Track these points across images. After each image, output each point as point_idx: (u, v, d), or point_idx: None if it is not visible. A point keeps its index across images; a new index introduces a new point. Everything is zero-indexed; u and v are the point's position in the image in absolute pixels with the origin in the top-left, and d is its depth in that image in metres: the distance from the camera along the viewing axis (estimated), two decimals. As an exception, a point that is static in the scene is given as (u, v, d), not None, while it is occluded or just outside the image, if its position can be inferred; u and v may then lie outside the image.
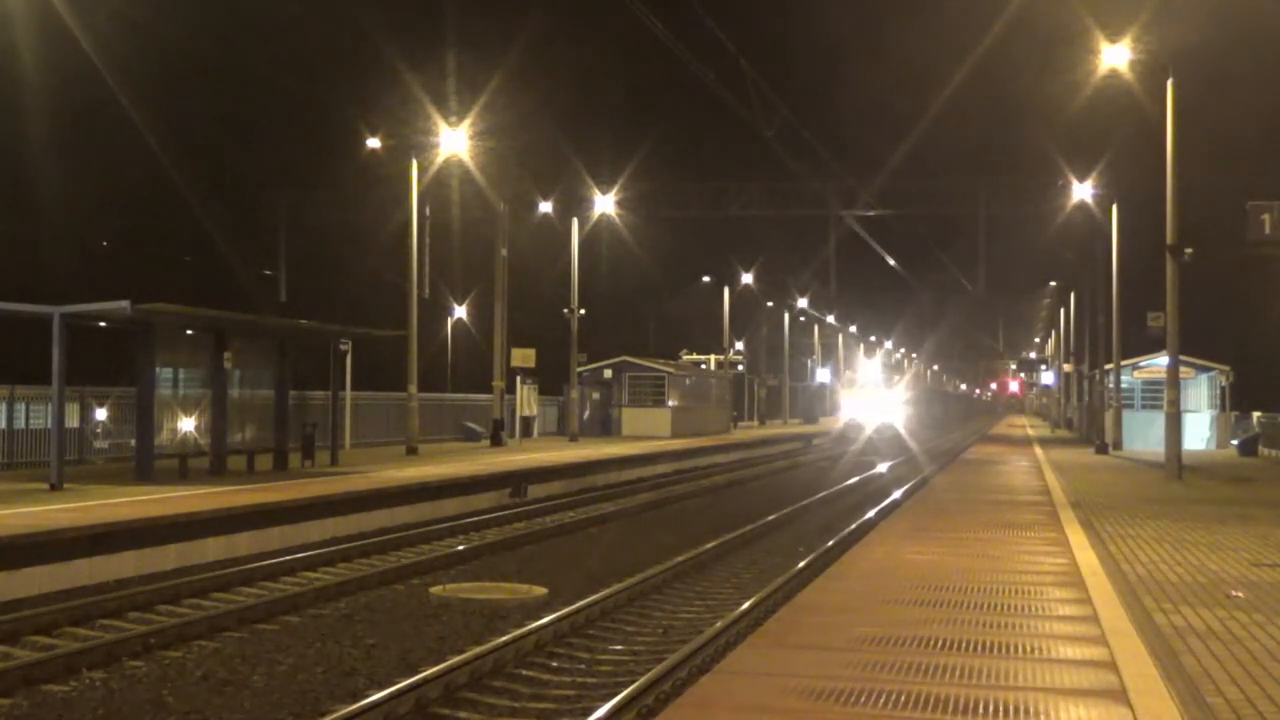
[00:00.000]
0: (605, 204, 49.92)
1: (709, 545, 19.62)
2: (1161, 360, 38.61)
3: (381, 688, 10.36)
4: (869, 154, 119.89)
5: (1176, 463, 29.07)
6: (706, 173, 74.69)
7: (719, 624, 13.26)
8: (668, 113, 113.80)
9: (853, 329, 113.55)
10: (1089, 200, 49.15)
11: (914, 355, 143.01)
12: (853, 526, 22.32)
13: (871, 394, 65.08)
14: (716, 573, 17.88)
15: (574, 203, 49.68)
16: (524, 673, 11.52)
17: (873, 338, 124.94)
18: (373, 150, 41.90)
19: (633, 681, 10.72)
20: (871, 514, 24.71)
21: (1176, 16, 29.66)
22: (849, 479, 35.51)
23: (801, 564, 17.70)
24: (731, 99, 35.14)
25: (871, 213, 53.23)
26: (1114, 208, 46.21)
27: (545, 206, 49.28)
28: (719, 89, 33.65)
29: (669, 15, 29.90)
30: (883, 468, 40.43)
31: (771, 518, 23.91)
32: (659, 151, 73.12)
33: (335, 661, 11.78)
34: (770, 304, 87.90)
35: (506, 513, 24.53)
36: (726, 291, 72.02)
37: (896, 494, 28.71)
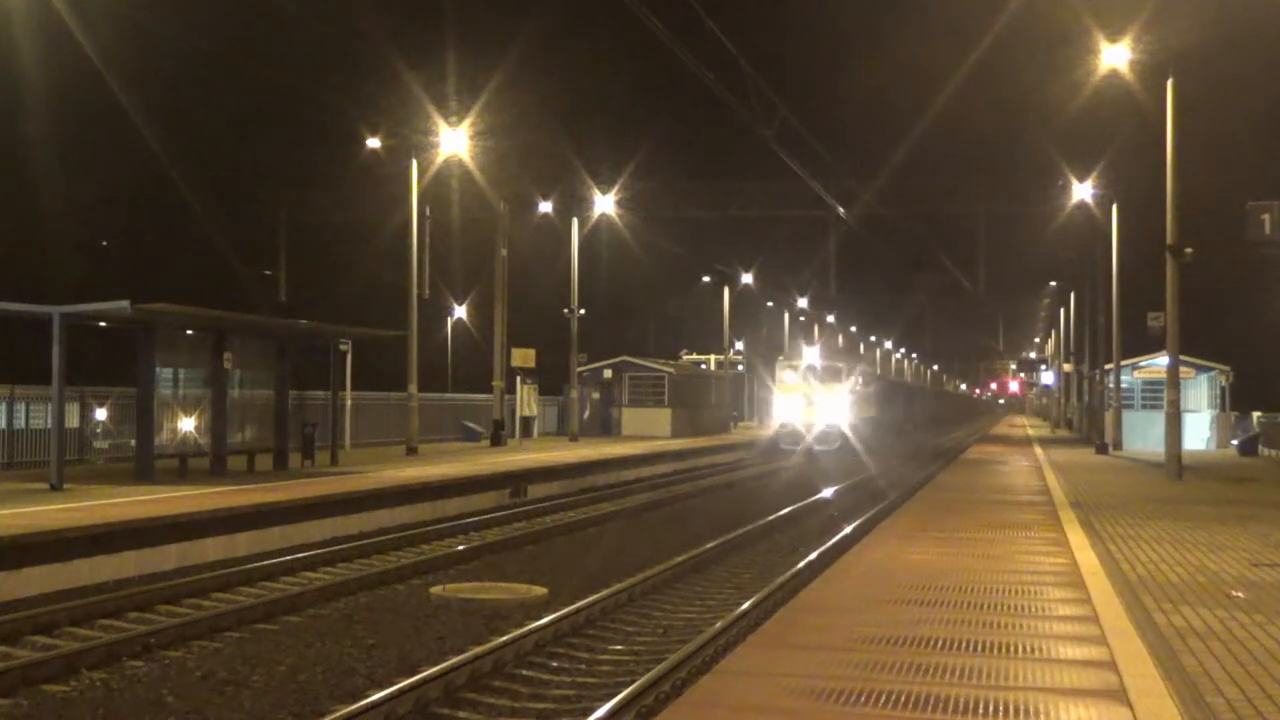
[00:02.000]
0: (605, 204, 49.94)
1: (709, 545, 19.62)
2: (1161, 360, 38.65)
3: (381, 688, 10.36)
4: (869, 154, 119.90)
5: (1176, 463, 29.09)
6: (706, 173, 74.80)
7: (719, 624, 13.26)
8: (668, 113, 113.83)
9: (853, 329, 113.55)
10: (1089, 200, 49.19)
11: (874, 338, 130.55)
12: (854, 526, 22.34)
13: (813, 390, 49.76)
14: (716, 573, 17.88)
15: (574, 203, 49.71)
16: (524, 673, 11.52)
17: (873, 337, 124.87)
18: (373, 150, 41.92)
19: (633, 681, 10.73)
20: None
21: (1176, 16, 29.66)
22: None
23: (801, 564, 17.70)
24: (731, 99, 35.15)
25: (872, 213, 53.30)
26: (1114, 208, 46.24)
27: (545, 206, 49.31)
28: (719, 89, 33.65)
29: (669, 15, 29.87)
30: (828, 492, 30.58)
31: (771, 518, 23.92)
32: (659, 151, 73.02)
33: (335, 661, 11.78)
34: (770, 304, 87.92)
35: (506, 513, 24.53)
36: (726, 291, 72.01)
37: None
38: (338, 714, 9.45)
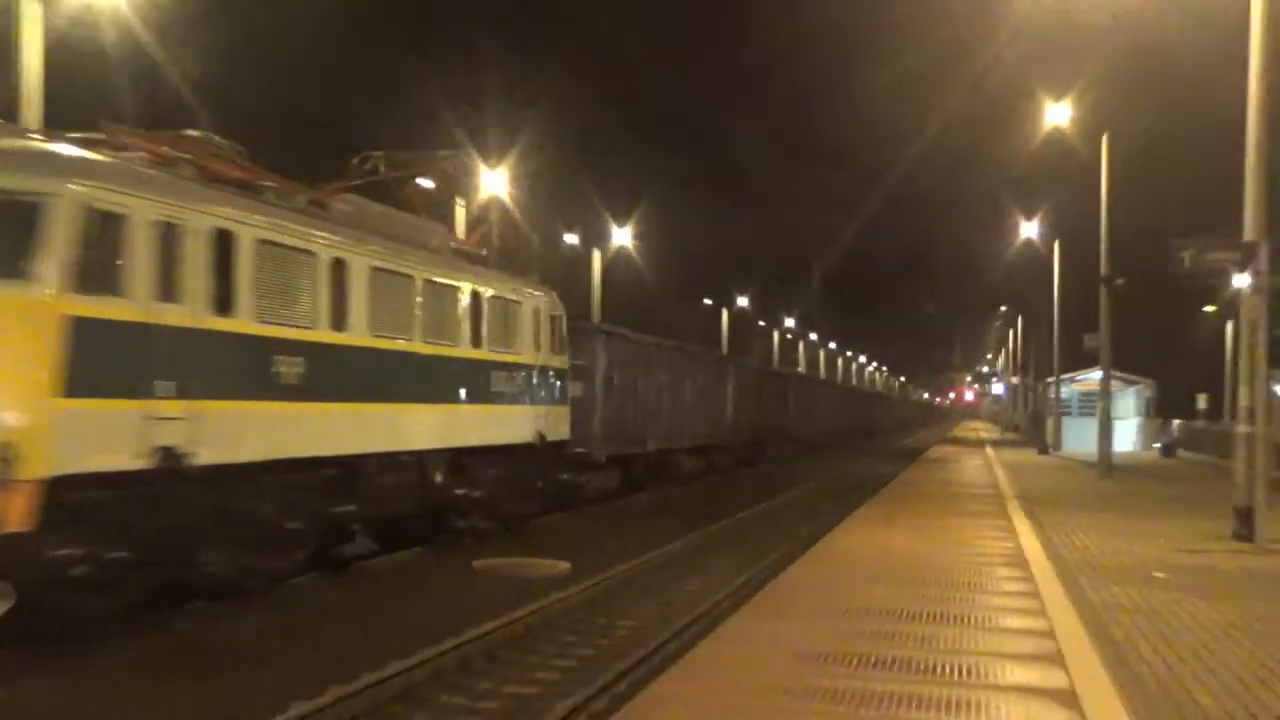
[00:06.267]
0: (622, 237, 50.08)
1: (710, 528, 19.60)
2: (1095, 375, 38.61)
3: (432, 646, 10.40)
4: (846, 196, 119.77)
5: (1107, 462, 29.04)
6: (710, 218, 74.49)
7: (716, 597, 13.31)
8: (674, 159, 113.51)
9: (832, 344, 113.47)
10: (1035, 238, 49.25)
11: (850, 353, 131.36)
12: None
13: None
14: (717, 553, 17.85)
15: (591, 236, 49.85)
16: (551, 635, 11.56)
17: (848, 352, 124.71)
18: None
19: (644, 643, 10.79)
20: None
21: (1112, 80, 29.78)
22: None
23: (788, 546, 17.70)
24: (724, 151, 35.27)
25: (851, 247, 53.39)
26: (1056, 244, 46.27)
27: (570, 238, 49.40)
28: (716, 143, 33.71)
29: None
30: None
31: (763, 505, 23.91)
32: (669, 192, 72.63)
33: (394, 624, 11.80)
34: (761, 323, 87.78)
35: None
36: (725, 314, 72.01)
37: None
38: (393, 668, 9.51)
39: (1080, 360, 46.72)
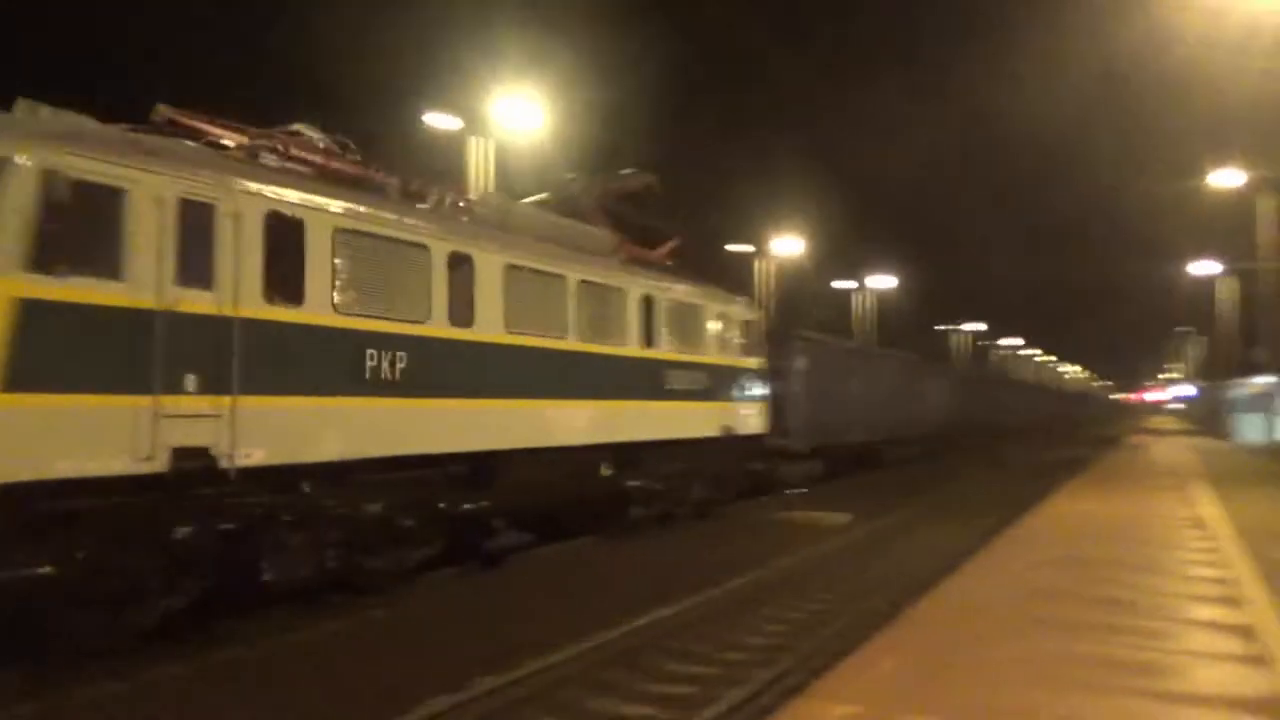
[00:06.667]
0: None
1: (936, 499, 18.71)
2: (1264, 378, 34.96)
3: (760, 567, 10.57)
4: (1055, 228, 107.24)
5: (1278, 449, 26.01)
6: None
7: (956, 543, 12.93)
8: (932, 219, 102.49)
9: (1038, 352, 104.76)
10: (1213, 273, 44.65)
11: (1055, 357, 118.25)
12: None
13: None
14: (948, 517, 17.04)
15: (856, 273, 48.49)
16: (829, 569, 11.43)
17: (1053, 356, 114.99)
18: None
19: (907, 574, 10.66)
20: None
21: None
22: None
23: (1008, 511, 16.80)
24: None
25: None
26: (1216, 281, 41.81)
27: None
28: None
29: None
30: None
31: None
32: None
33: (725, 553, 11.78)
34: (980, 342, 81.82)
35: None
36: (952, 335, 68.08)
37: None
38: (728, 584, 9.79)
39: (1255, 366, 42.27)
